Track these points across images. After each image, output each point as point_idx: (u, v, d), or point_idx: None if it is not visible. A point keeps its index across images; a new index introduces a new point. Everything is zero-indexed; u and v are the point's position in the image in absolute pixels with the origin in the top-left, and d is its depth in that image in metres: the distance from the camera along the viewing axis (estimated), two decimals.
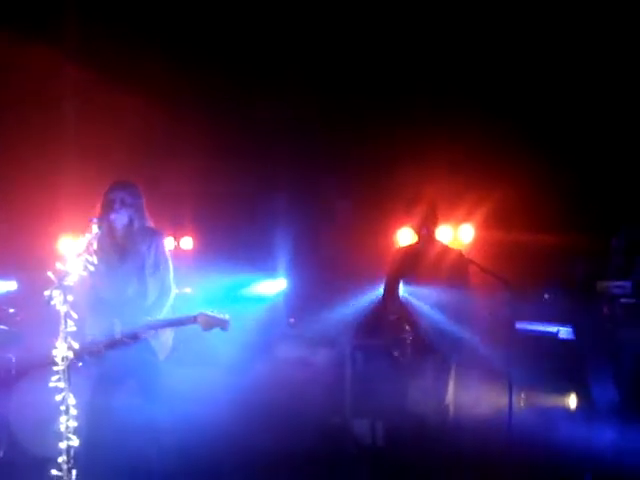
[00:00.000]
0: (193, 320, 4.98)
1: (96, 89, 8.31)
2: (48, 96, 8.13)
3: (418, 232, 6.38)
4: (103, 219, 4.76)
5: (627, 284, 5.68)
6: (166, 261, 5.19)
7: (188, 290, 7.99)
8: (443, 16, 7.90)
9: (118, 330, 4.96)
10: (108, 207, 4.96)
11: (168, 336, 5.16)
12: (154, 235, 5.17)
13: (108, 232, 4.99)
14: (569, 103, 8.20)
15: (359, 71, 8.47)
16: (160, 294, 5.13)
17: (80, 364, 4.83)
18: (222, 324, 4.98)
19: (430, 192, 6.60)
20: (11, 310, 7.32)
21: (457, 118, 8.40)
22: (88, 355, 4.87)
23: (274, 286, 8.48)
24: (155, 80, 8.31)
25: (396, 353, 6.31)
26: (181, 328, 5.16)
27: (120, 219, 5.00)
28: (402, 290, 6.36)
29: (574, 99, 8.15)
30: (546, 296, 7.39)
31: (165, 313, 5.13)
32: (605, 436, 6.08)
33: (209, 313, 4.96)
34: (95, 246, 3.85)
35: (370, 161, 8.85)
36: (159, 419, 5.02)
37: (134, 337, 4.95)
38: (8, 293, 7.77)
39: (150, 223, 5.20)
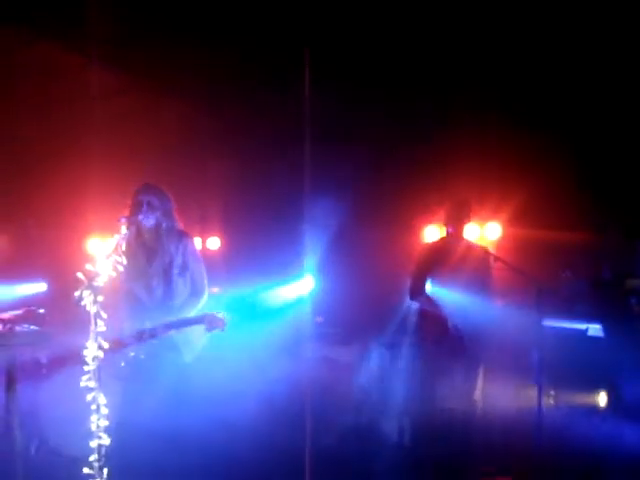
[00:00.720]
0: (201, 320, 5.05)
1: (124, 89, 8.34)
2: (75, 97, 8.18)
3: (446, 228, 6.43)
4: (131, 220, 4.80)
5: None
6: (197, 262, 5.25)
7: (215, 290, 8.03)
8: (467, 16, 7.84)
9: (147, 331, 5.01)
10: (136, 209, 5.01)
11: (198, 337, 5.19)
12: (182, 237, 5.24)
13: (136, 234, 5.05)
14: (598, 100, 8.12)
15: (383, 67, 8.43)
16: (191, 295, 5.18)
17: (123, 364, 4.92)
18: (219, 324, 5.02)
19: (463, 190, 6.63)
20: (41, 310, 7.38)
21: (484, 115, 8.36)
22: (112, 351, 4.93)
23: (302, 287, 8.45)
24: (182, 78, 8.32)
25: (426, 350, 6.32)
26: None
27: (147, 221, 5.06)
28: (429, 287, 6.37)
29: (602, 96, 8.07)
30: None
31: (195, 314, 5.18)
32: (635, 435, 6.03)
33: (214, 314, 5.01)
34: (124, 247, 3.88)
35: (398, 158, 8.83)
36: (184, 419, 5.06)
37: (153, 335, 5.00)
38: (37, 294, 7.85)
39: (179, 226, 5.24)
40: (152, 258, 5.15)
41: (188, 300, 5.18)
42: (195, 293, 5.21)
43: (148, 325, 5.00)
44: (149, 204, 5.05)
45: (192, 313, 5.17)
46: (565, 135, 8.25)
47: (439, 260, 6.32)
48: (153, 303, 5.11)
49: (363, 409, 7.31)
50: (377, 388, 7.33)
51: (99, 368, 3.57)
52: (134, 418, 4.96)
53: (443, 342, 6.23)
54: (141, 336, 4.98)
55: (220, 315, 5.00)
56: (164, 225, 5.15)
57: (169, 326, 5.05)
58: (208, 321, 5.00)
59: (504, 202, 8.26)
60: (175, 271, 5.15)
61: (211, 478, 5.38)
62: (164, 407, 5.05)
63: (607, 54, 7.73)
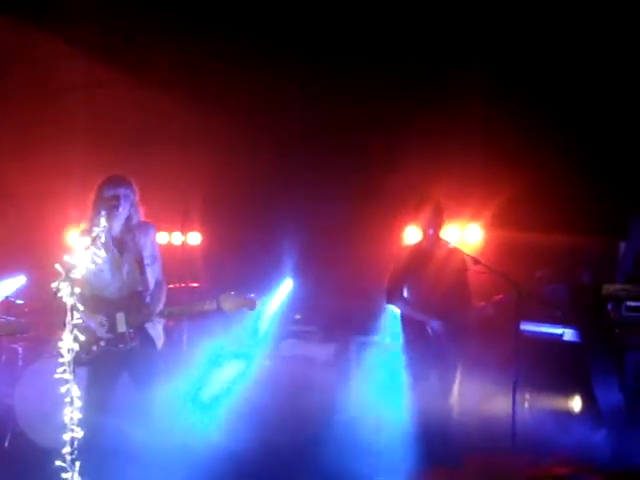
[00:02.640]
0: (215, 304, 5.05)
1: (103, 81, 8.31)
2: (54, 88, 8.13)
3: (424, 231, 6.40)
4: (111, 213, 4.79)
5: (633, 287, 5.67)
6: (158, 252, 5.29)
7: (196, 285, 8.02)
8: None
9: (122, 324, 5.00)
10: (112, 202, 4.98)
11: (161, 327, 5.21)
12: (149, 228, 5.26)
13: (109, 227, 5.04)
14: (581, 101, 8.14)
15: (365, 67, 8.42)
16: (156, 286, 5.19)
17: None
18: (249, 303, 5.05)
19: (437, 192, 6.61)
20: (19, 301, 7.35)
21: (466, 116, 8.38)
22: (86, 354, 4.92)
23: (282, 291, 8.45)
24: (164, 71, 8.30)
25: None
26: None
27: (122, 214, 5.05)
28: (407, 288, 6.36)
29: (586, 97, 8.08)
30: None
31: (160, 305, 5.19)
32: (608, 440, 6.08)
33: (231, 294, 5.01)
34: (103, 239, 3.86)
35: (377, 159, 8.84)
36: (156, 413, 5.07)
37: (139, 328, 5.01)
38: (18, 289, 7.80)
39: (142, 216, 5.26)
40: (125, 251, 5.15)
41: (155, 291, 5.19)
42: (159, 283, 5.23)
43: (122, 320, 5.00)
44: (125, 197, 5.04)
45: (160, 303, 5.18)
46: (547, 136, 8.26)
47: (417, 263, 6.31)
48: (127, 296, 5.10)
49: (339, 408, 7.32)
50: (354, 387, 7.35)
51: (74, 360, 3.55)
52: (103, 411, 4.96)
53: (421, 345, 6.24)
54: (119, 337, 5.00)
55: (246, 295, 5.04)
56: (134, 218, 5.15)
57: (174, 313, 5.20)
58: (225, 303, 5.03)
59: (485, 204, 8.28)
60: (147, 262, 5.17)
61: (187, 470, 5.38)
62: (136, 397, 5.05)
63: (594, 61, 7.75)
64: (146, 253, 5.17)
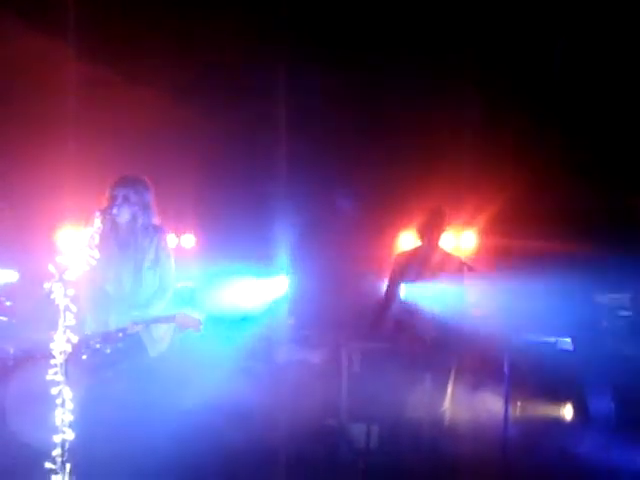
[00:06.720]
0: (172, 319, 5.05)
1: (99, 81, 8.27)
2: (47, 87, 8.08)
3: (421, 237, 6.41)
4: (105, 214, 4.75)
5: (625, 297, 5.69)
6: (167, 258, 5.23)
7: (190, 284, 7.99)
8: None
9: (113, 323, 4.99)
10: (111, 203, 4.97)
11: (163, 332, 5.16)
12: (156, 231, 5.21)
13: (112, 227, 5.03)
14: (577, 105, 8.13)
15: (365, 71, 8.41)
16: (158, 290, 5.16)
17: (84, 357, 4.90)
18: (195, 325, 5.02)
19: (438, 200, 6.63)
20: (8, 303, 7.30)
21: (462, 122, 8.37)
22: (85, 348, 4.92)
23: (277, 287, 8.43)
24: (159, 74, 8.26)
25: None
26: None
27: (122, 215, 5.01)
28: (403, 294, 6.37)
29: (582, 100, 8.08)
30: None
31: (162, 309, 5.15)
32: (600, 449, 6.08)
33: (187, 313, 5.00)
34: (97, 240, 3.84)
35: (375, 162, 8.83)
36: (148, 416, 5.05)
37: (123, 331, 4.98)
38: (7, 285, 7.75)
39: (156, 220, 5.21)
40: (124, 250, 5.12)
41: (155, 295, 5.16)
42: (162, 288, 5.19)
43: (114, 320, 4.98)
44: (125, 198, 5.00)
45: (158, 307, 5.15)
46: (542, 141, 8.26)
47: (413, 269, 6.32)
48: (120, 295, 5.08)
49: (331, 414, 7.30)
50: (346, 393, 7.33)
51: (66, 362, 3.53)
52: (97, 413, 4.93)
53: (416, 351, 6.23)
54: (108, 337, 4.95)
55: (194, 315, 5.00)
56: (140, 221, 5.10)
57: (137, 323, 5.02)
58: (180, 320, 5.00)
59: (479, 211, 8.28)
60: (146, 264, 5.13)
61: (178, 472, 5.36)
62: (127, 404, 5.02)
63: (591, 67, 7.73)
64: (148, 256, 5.13)
